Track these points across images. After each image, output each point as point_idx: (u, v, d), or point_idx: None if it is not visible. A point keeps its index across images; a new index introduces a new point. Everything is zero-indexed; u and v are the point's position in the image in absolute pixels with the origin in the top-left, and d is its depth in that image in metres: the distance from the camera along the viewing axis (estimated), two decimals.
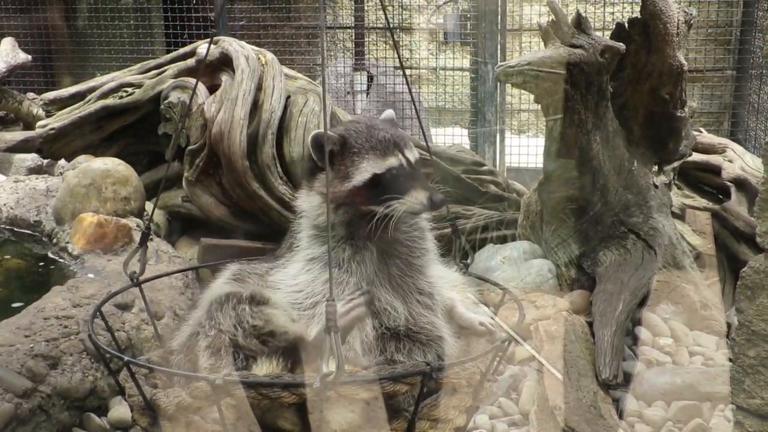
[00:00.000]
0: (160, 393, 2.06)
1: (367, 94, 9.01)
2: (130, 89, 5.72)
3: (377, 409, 2.00)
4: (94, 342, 2.32)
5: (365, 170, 2.36)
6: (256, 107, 5.01)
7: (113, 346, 2.74)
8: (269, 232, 4.89)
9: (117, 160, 5.06)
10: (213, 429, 1.98)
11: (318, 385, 1.83)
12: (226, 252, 4.57)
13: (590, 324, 3.97)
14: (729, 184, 5.25)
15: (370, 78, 9.05)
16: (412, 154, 2.44)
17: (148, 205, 5.30)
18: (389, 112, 2.63)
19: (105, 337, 3.10)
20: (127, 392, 2.21)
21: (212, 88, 5.25)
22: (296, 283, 2.42)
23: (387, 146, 2.39)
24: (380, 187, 2.35)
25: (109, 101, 5.71)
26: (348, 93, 8.96)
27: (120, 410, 3.34)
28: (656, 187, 4.64)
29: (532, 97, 5.09)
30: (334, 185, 2.35)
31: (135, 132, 5.84)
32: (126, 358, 2.14)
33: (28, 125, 7.99)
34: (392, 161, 2.37)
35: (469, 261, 2.87)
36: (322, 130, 2.28)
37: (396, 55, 5.59)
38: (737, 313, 2.69)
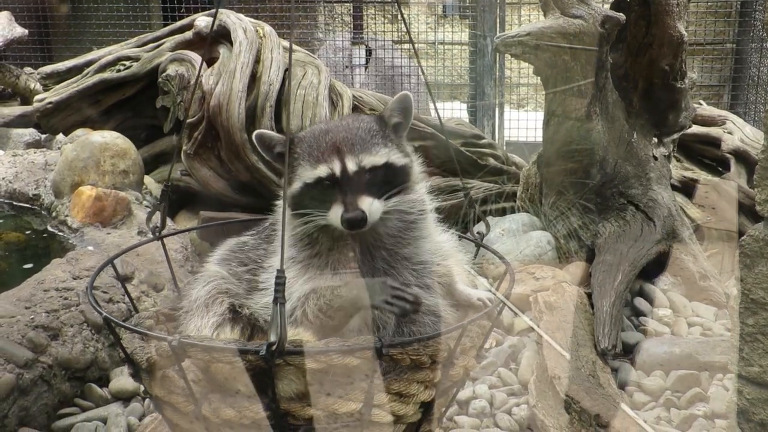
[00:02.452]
0: (137, 348, 2.19)
1: (366, 68, 8.98)
2: (127, 63, 5.70)
3: (328, 381, 2.03)
4: (91, 302, 2.38)
5: (299, 178, 2.29)
6: (254, 80, 4.99)
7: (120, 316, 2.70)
8: (267, 205, 4.86)
9: (115, 134, 5.04)
10: (183, 385, 2.08)
11: (264, 353, 1.88)
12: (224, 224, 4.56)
13: (589, 295, 3.98)
14: (728, 156, 5.25)
15: (369, 52, 9.02)
16: (356, 163, 2.27)
17: (147, 179, 5.29)
18: (404, 96, 2.42)
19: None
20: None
21: (210, 61, 5.23)
22: None
23: (324, 154, 2.28)
24: (310, 196, 2.27)
25: (107, 75, 5.69)
26: (347, 67, 8.93)
27: (121, 381, 3.35)
28: (656, 158, 4.63)
29: (531, 71, 5.08)
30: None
31: (133, 106, 5.82)
32: (104, 314, 2.24)
33: (26, 100, 7.97)
34: (322, 170, 2.26)
35: (485, 231, 2.86)
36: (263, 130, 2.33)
37: (403, 29, 5.56)
38: (736, 281, 2.69)
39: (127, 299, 3.54)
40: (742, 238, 2.64)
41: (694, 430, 3.13)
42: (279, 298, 1.90)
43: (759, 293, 2.62)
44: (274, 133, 2.40)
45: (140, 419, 3.17)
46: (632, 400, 3.35)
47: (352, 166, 2.26)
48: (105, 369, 3.41)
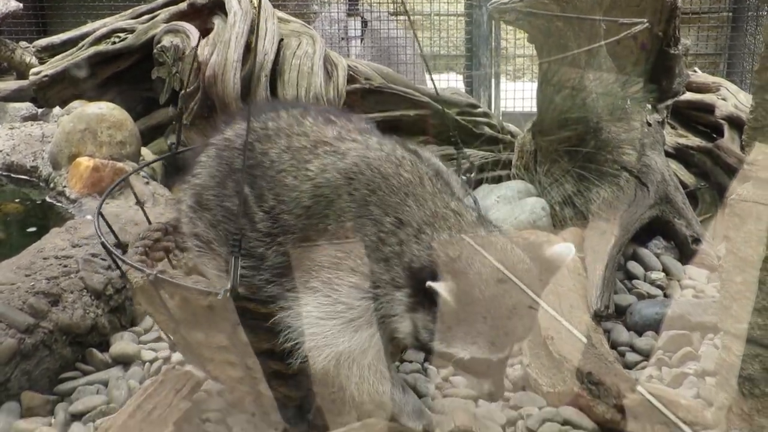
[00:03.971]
0: (132, 271, 2.51)
1: (362, 39, 8.97)
2: (122, 35, 5.72)
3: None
4: (96, 230, 2.66)
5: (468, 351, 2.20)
6: (248, 50, 5.01)
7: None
8: None
9: (112, 105, 5.06)
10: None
11: (220, 296, 2.18)
12: None
13: (583, 260, 4.02)
14: (722, 121, 5.28)
15: (365, 23, 9.00)
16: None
17: (144, 150, 5.32)
18: (567, 251, 2.41)
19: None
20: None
21: (205, 32, 5.24)
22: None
23: (507, 343, 2.23)
24: None
25: (102, 47, 5.70)
26: (342, 39, 8.92)
27: (121, 345, 3.41)
28: (649, 125, 4.66)
29: (527, 42, 5.10)
30: None
31: (129, 78, 5.84)
32: (101, 240, 2.60)
33: (21, 74, 7.96)
34: (491, 355, 2.21)
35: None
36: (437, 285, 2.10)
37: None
38: (725, 240, 2.74)
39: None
40: (731, 197, 2.69)
41: (685, 388, 3.19)
42: (235, 252, 2.18)
43: (747, 251, 2.67)
44: None
45: (140, 382, 3.22)
46: (624, 360, 3.41)
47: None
48: (105, 334, 3.46)
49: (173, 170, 5.61)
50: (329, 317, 2.22)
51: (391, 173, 2.35)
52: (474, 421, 1.76)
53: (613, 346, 3.49)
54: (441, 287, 2.04)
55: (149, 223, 3.07)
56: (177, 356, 3.41)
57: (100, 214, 2.82)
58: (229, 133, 2.68)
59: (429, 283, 2.05)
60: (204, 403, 3.04)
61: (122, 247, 3.62)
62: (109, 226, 2.99)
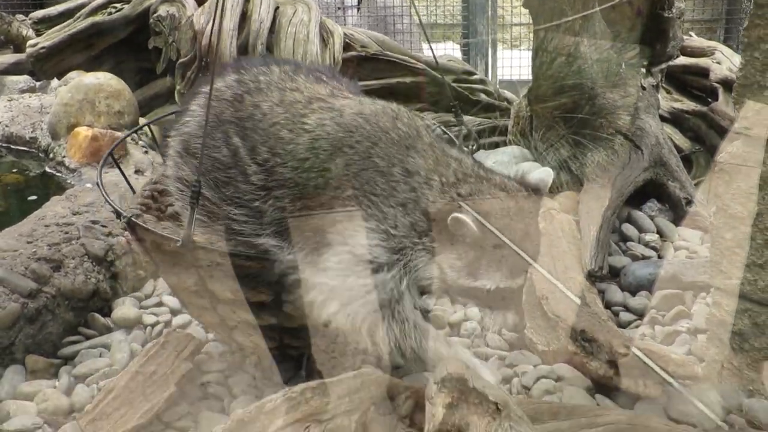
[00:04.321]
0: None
1: (358, 9, 8.95)
2: (118, 5, 5.73)
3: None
4: (99, 185, 2.79)
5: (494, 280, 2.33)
6: (244, 18, 5.02)
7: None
8: None
9: (109, 75, 5.09)
10: None
11: (179, 244, 2.32)
12: None
13: (578, 223, 4.06)
14: (717, 85, 5.29)
15: None
16: None
17: (142, 120, 5.35)
18: (545, 176, 2.52)
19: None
20: None
21: (201, 2, 5.26)
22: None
23: (525, 264, 2.35)
24: None
25: (99, 18, 5.72)
26: (339, 8, 8.90)
27: (123, 310, 3.46)
28: (644, 88, 4.69)
29: (522, 8, 5.10)
30: None
31: (125, 49, 5.85)
32: (98, 183, 2.81)
33: (19, 47, 7.96)
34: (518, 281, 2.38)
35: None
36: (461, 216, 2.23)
37: None
38: (715, 197, 2.77)
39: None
40: (720, 155, 2.72)
41: (677, 345, 3.24)
42: (193, 203, 2.33)
43: (737, 208, 2.71)
44: None
45: (142, 345, 3.28)
46: (618, 320, 3.46)
47: None
48: (107, 299, 3.51)
49: None
50: (354, 274, 2.28)
51: (390, 126, 2.41)
52: (467, 369, 1.81)
53: (608, 306, 3.54)
54: (466, 218, 2.17)
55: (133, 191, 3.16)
56: (178, 320, 3.47)
57: (113, 159, 2.94)
58: (220, 83, 2.67)
59: (454, 215, 2.18)
60: (205, 365, 3.09)
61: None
62: (123, 174, 3.09)
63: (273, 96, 2.55)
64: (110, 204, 2.76)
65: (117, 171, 4.53)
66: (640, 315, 3.49)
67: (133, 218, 2.55)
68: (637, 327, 3.41)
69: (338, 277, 2.27)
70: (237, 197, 2.43)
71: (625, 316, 3.49)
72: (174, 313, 3.53)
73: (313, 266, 2.30)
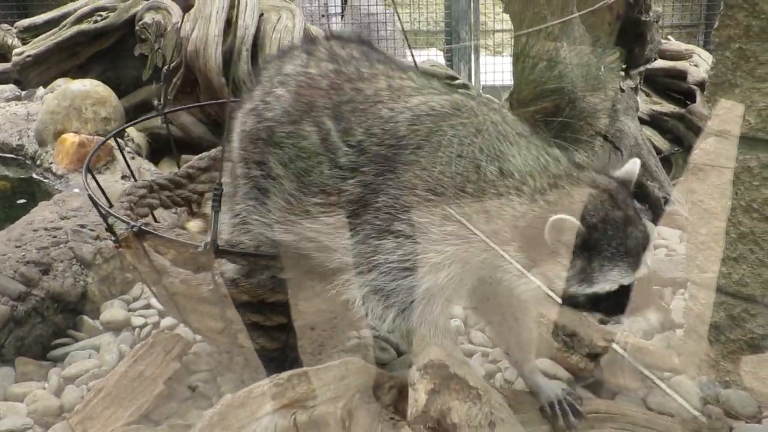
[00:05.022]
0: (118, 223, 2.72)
1: (342, 16, 9.03)
2: (104, 13, 5.77)
3: None
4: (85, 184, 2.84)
5: (613, 280, 2.08)
6: (229, 25, 5.08)
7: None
8: None
9: (95, 81, 5.13)
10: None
11: (201, 249, 2.34)
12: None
13: None
14: (694, 87, 5.39)
15: (345, 0, 9.06)
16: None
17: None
18: (633, 166, 2.32)
19: None
20: None
21: (186, 8, 5.31)
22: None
23: (639, 252, 2.11)
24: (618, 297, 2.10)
25: (84, 26, 5.76)
26: (323, 16, 8.98)
27: (111, 312, 3.50)
28: (623, 91, 4.77)
29: (506, 18, 5.17)
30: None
31: (111, 57, 5.90)
32: (88, 192, 2.81)
33: (4, 57, 7.97)
34: (627, 279, 2.09)
35: None
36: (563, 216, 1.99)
37: None
38: (690, 194, 2.85)
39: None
40: (694, 151, 2.79)
41: (656, 340, 3.31)
42: (215, 207, 2.35)
43: (711, 203, 2.78)
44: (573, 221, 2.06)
45: (131, 347, 3.32)
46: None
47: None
48: (95, 302, 3.55)
49: (158, 146, 5.71)
50: (414, 265, 2.11)
51: (499, 119, 2.24)
52: (448, 357, 1.88)
53: None
54: (568, 217, 1.98)
55: (135, 179, 3.19)
56: (166, 321, 3.51)
57: (89, 170, 2.93)
58: (313, 70, 2.50)
59: (554, 218, 1.97)
60: (193, 364, 3.14)
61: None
62: (99, 186, 3.09)
63: (380, 82, 2.40)
64: (102, 212, 2.77)
65: (103, 177, 4.60)
66: None
67: (143, 227, 2.52)
68: (616, 323, 3.47)
69: (388, 276, 2.12)
70: (318, 183, 2.28)
71: None
72: (162, 315, 3.57)
73: (369, 255, 2.13)
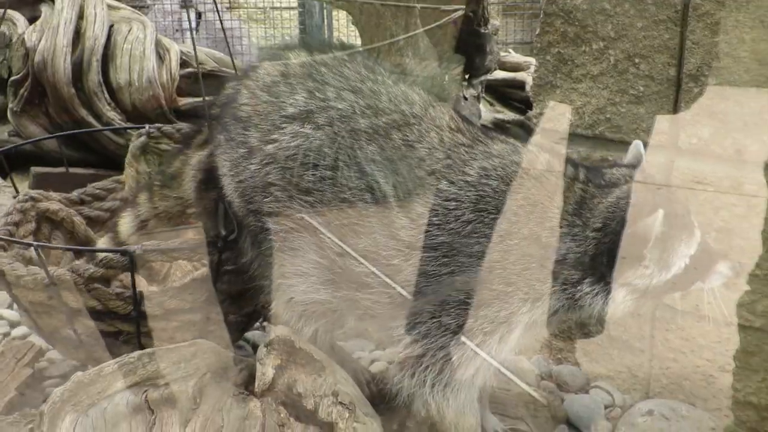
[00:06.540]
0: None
1: (196, 31, 9.01)
2: None
3: None
4: None
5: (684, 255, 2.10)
6: (78, 36, 5.03)
7: None
8: (102, 159, 4.97)
9: None
10: None
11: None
12: (58, 179, 4.60)
13: None
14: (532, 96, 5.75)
15: (198, 15, 9.05)
16: None
17: None
18: (637, 148, 2.32)
19: None
20: None
21: (32, 20, 5.22)
22: None
23: (690, 219, 2.14)
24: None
25: None
26: (177, 31, 8.93)
27: None
28: (466, 99, 5.05)
29: (351, 24, 5.36)
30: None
31: None
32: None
33: None
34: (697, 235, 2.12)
35: None
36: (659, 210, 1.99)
37: None
38: None
39: None
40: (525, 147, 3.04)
41: None
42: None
43: None
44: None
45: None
46: None
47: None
48: None
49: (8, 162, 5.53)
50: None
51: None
52: (293, 334, 2.00)
53: None
54: (659, 211, 1.99)
55: None
56: (17, 331, 3.47)
57: None
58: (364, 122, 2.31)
59: (661, 213, 1.98)
60: (47, 370, 3.14)
61: None
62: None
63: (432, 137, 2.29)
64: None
65: None
66: None
67: (138, 249, 2.46)
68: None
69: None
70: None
71: None
72: (13, 325, 3.53)
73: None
